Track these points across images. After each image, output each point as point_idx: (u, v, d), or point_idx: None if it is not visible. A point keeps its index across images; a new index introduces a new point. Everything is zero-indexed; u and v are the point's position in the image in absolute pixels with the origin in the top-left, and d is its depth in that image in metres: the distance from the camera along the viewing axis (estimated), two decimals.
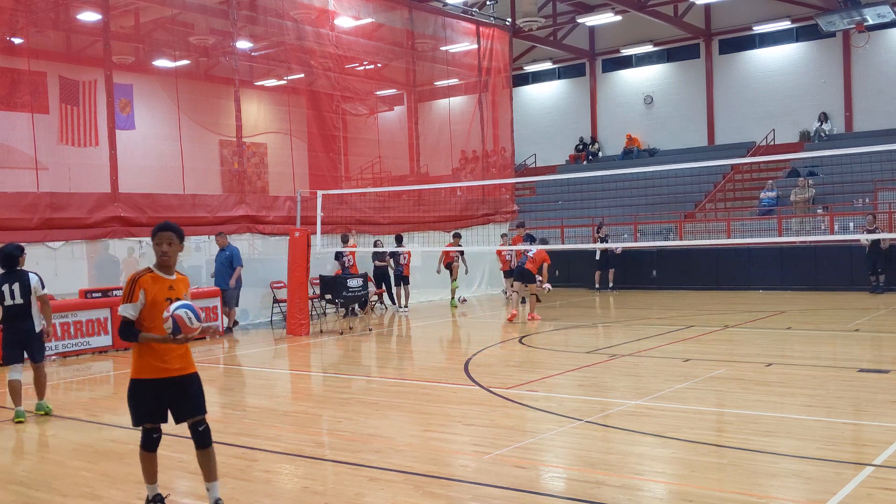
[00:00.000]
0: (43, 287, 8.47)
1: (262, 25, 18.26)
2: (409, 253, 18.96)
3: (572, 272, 24.72)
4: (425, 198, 21.22)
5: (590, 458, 6.24)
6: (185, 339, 4.95)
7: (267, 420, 7.96)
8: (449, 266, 19.51)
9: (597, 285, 22.77)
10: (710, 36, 30.70)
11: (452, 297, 19.71)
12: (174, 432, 7.41)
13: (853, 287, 19.57)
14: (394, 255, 18.61)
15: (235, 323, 15.93)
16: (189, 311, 4.91)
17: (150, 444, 5.21)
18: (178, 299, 5.06)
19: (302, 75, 19.60)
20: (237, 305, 15.86)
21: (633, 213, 26.42)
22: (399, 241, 18.82)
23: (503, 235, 21.29)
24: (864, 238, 18.65)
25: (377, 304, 19.09)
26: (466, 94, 23.55)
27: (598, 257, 22.77)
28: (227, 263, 15.37)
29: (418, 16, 21.71)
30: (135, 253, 15.50)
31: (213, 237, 16.17)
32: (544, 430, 7.19)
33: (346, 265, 17.21)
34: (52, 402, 9.38)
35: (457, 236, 19.56)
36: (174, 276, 5.16)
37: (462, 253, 19.46)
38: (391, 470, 5.99)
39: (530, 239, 20.58)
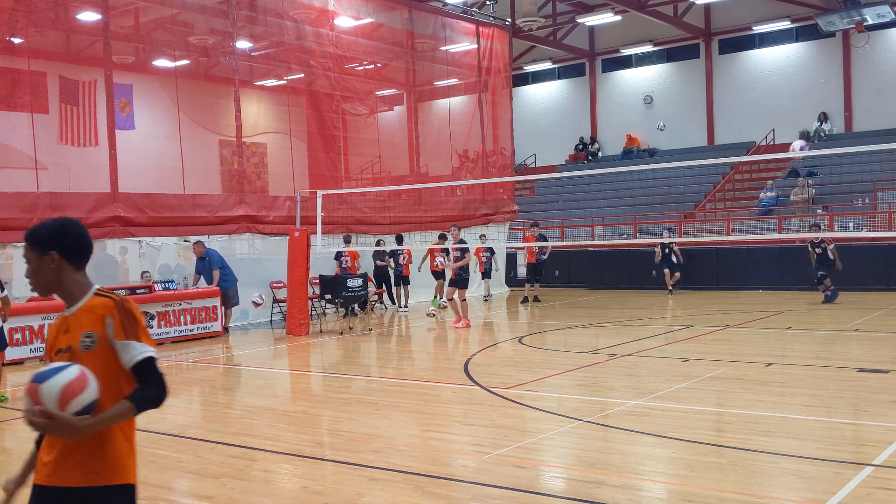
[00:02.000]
0: (2, 290, 9.31)
1: (262, 25, 18.26)
2: (408, 252, 18.92)
3: (572, 272, 24.74)
4: (425, 198, 21.22)
5: (590, 458, 6.24)
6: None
7: (266, 420, 7.96)
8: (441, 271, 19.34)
9: (669, 287, 21.02)
10: (710, 36, 30.70)
11: (436, 297, 19.56)
12: (174, 432, 7.43)
13: (853, 287, 19.54)
14: (394, 254, 18.59)
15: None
16: (41, 380, 2.73)
17: None
18: (69, 348, 2.88)
19: (302, 75, 19.60)
20: (238, 304, 15.73)
21: (633, 213, 26.42)
22: (399, 240, 18.79)
23: (481, 236, 21.23)
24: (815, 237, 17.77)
25: (377, 304, 19.08)
26: (466, 94, 23.54)
27: (658, 259, 21.01)
28: (209, 271, 15.15)
29: (418, 16, 21.71)
30: (126, 253, 15.50)
31: (212, 237, 16.17)
32: (544, 430, 7.18)
33: (344, 265, 17.19)
34: None
35: (443, 237, 19.27)
36: (75, 308, 2.96)
37: (448, 252, 19.22)
38: (391, 470, 5.99)
39: (542, 239, 20.60)
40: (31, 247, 2.96)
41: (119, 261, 15.62)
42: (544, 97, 35.07)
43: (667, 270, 21.13)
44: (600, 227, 26.16)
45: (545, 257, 20.49)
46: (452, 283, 15.48)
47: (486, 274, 20.76)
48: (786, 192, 24.36)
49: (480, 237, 21.10)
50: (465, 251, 15.49)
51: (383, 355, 12.94)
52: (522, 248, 20.41)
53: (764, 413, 7.46)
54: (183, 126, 17.05)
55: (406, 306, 18.70)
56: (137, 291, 13.78)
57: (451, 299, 15.60)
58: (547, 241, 21.22)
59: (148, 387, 2.88)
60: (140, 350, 2.88)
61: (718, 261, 21.99)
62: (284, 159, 19.34)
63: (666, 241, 20.70)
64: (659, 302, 19.33)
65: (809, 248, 17.88)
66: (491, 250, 20.51)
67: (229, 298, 15.40)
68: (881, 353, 11.11)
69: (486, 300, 20.81)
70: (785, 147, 27.58)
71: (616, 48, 32.49)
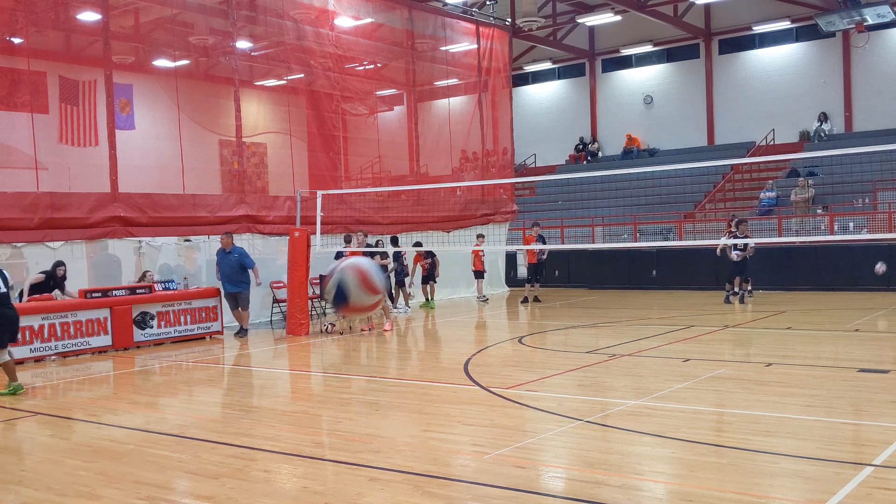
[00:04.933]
0: None
1: (262, 25, 18.26)
2: (404, 253, 18.85)
3: (572, 272, 24.74)
4: (425, 198, 21.20)
5: (590, 458, 6.24)
6: None
7: (266, 420, 7.96)
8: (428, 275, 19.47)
9: (736, 289, 18.18)
10: (710, 36, 30.70)
11: (430, 299, 19.61)
12: (174, 432, 7.43)
13: (853, 287, 19.56)
14: (397, 256, 18.47)
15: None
16: None
17: None
18: None
19: (302, 75, 19.60)
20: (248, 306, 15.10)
21: (633, 213, 26.42)
22: (395, 242, 18.71)
23: (479, 236, 21.17)
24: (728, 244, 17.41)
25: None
26: (466, 94, 23.54)
27: (735, 258, 17.86)
28: (237, 266, 14.56)
29: (418, 16, 21.71)
30: (139, 253, 15.53)
31: (212, 237, 16.15)
32: (544, 430, 7.18)
33: None
34: (52, 401, 9.42)
35: (417, 244, 19.02)
36: None
37: (432, 258, 19.26)
38: (391, 470, 5.98)
39: (542, 240, 20.58)
40: None
41: (122, 260, 15.58)
42: (544, 97, 35.06)
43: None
44: (600, 227, 26.16)
45: (545, 257, 20.47)
46: None
47: (480, 275, 20.67)
48: (786, 192, 24.37)
49: (478, 237, 21.04)
50: (384, 255, 15.38)
51: (383, 355, 12.94)
52: (522, 250, 20.34)
53: (764, 413, 7.46)
54: (183, 126, 17.05)
55: (409, 306, 18.70)
56: (137, 291, 13.77)
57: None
58: (546, 242, 21.19)
59: None
60: None
61: (719, 261, 21.94)
62: (284, 159, 19.34)
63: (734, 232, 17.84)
64: (697, 303, 19.31)
65: (728, 246, 17.68)
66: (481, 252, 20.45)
67: (247, 300, 14.96)
68: (881, 353, 11.10)
69: (480, 301, 20.66)
70: (785, 147, 27.71)
71: (616, 48, 32.49)
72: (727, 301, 17.83)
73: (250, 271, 14.72)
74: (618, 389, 9.03)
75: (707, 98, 30.92)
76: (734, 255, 17.67)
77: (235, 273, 14.63)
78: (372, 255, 15.53)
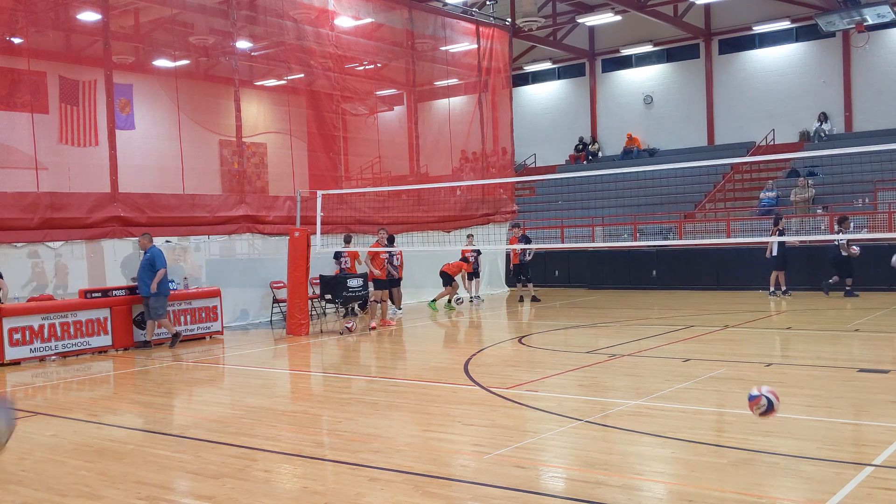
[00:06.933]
0: None
1: (262, 25, 18.26)
2: (400, 252, 18.69)
3: (572, 272, 24.73)
4: (425, 198, 21.21)
5: (590, 458, 6.24)
6: None
7: (266, 420, 7.96)
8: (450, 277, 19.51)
9: (771, 288, 19.29)
10: (710, 36, 30.71)
11: (435, 301, 19.55)
12: (174, 432, 7.44)
13: (853, 287, 19.52)
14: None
15: (176, 335, 13.58)
16: None
17: None
18: None
19: (302, 75, 19.60)
20: (162, 316, 13.21)
21: (633, 213, 26.42)
22: (391, 241, 18.61)
23: (469, 236, 21.13)
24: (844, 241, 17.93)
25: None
26: (466, 94, 23.55)
27: (771, 254, 19.14)
28: (147, 267, 13.01)
29: (418, 16, 21.72)
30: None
31: (211, 237, 16.15)
32: (544, 430, 7.18)
33: (343, 266, 17.13)
34: (52, 401, 9.41)
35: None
36: None
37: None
38: (391, 470, 5.99)
39: (525, 240, 20.56)
40: None
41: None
42: (544, 97, 35.07)
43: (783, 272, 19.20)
44: (600, 227, 26.16)
45: (528, 258, 20.44)
46: (379, 285, 15.44)
47: (475, 274, 20.64)
48: (786, 192, 24.36)
49: (468, 237, 20.99)
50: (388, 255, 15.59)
51: (383, 355, 12.94)
52: (508, 250, 20.42)
53: None
54: (183, 126, 17.06)
55: (399, 308, 18.66)
56: (137, 291, 13.76)
57: (377, 301, 15.58)
58: (530, 242, 21.21)
59: None
60: None
61: (719, 261, 21.99)
62: (284, 159, 19.35)
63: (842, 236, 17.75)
64: (698, 302, 19.31)
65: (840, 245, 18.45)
66: (477, 251, 20.40)
67: (158, 308, 13.14)
68: (881, 353, 11.11)
69: (471, 301, 20.58)
70: (785, 147, 27.71)
71: (616, 48, 32.49)
72: (826, 293, 18.68)
73: (161, 270, 13.05)
74: (618, 389, 9.03)
75: (707, 98, 30.92)
76: (854, 249, 18.35)
77: (145, 273, 13.07)
78: (391, 253, 15.58)
